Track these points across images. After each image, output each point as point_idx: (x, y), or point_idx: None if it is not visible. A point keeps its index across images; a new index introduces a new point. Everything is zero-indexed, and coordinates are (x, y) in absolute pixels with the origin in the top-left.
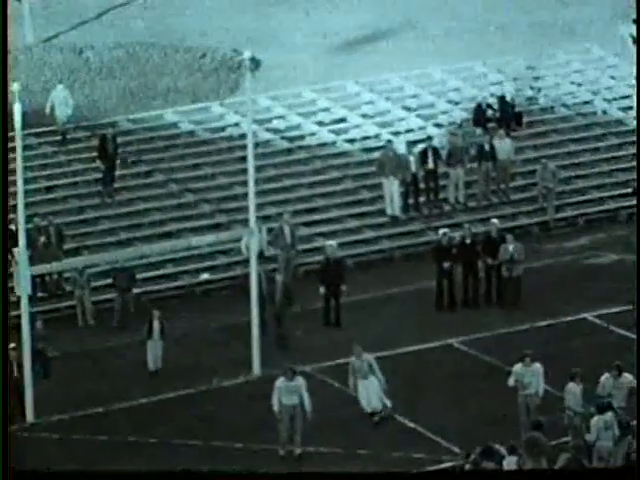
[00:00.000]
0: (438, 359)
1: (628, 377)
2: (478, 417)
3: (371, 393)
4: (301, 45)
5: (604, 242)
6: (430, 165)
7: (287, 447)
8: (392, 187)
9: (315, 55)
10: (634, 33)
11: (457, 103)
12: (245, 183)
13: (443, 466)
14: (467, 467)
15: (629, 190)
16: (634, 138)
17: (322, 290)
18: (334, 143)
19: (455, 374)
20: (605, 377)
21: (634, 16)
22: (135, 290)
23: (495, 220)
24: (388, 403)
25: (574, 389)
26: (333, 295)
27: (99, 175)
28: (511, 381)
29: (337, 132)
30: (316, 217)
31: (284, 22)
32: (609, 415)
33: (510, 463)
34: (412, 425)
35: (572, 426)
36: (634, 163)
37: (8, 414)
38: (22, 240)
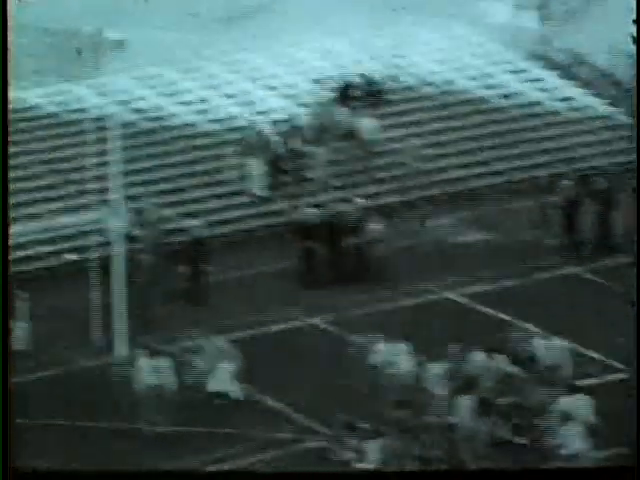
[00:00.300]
0: (304, 338)
1: (498, 357)
2: (343, 396)
3: (219, 376)
4: (167, 24)
5: (468, 220)
6: (294, 144)
7: (151, 426)
8: (256, 166)
9: (181, 34)
10: (634, 33)
11: (321, 82)
12: (109, 164)
13: (307, 445)
14: (330, 445)
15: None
16: (497, 116)
17: (186, 270)
18: (197, 123)
19: (321, 353)
20: (472, 356)
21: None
22: None
23: (359, 199)
24: (236, 388)
25: (438, 368)
26: (198, 275)
27: None
28: (375, 360)
29: (201, 112)
30: (181, 197)
31: (151, 1)
32: (473, 395)
33: (375, 443)
34: (277, 405)
35: (436, 406)
36: (497, 141)
37: (8, 414)
38: None
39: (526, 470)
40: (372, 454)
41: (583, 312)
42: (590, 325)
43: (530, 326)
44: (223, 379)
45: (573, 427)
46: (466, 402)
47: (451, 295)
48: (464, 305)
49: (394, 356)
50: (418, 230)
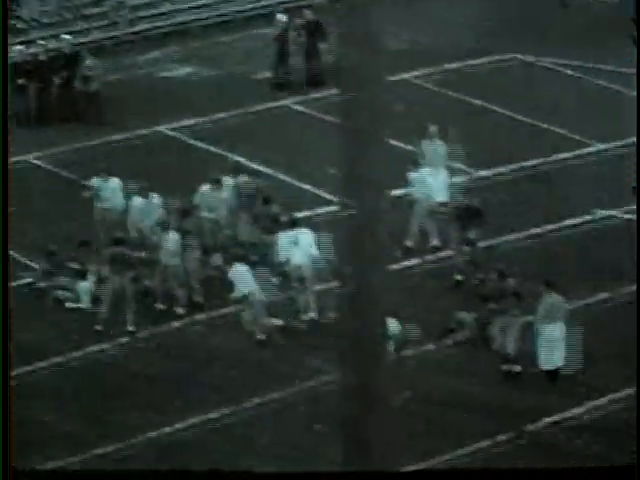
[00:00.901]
0: (18, 174)
1: (227, 184)
2: (60, 235)
3: None
4: None
5: (177, 55)
6: None
7: None
8: None
9: None
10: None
11: None
12: None
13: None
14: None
15: None
16: None
17: None
18: None
19: (36, 190)
20: (205, 188)
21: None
22: None
23: (67, 36)
24: None
25: (141, 202)
26: None
27: None
28: (87, 194)
29: None
30: None
31: None
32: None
33: (85, 283)
34: None
35: (147, 241)
36: None
37: (8, 413)
38: None
39: (526, 470)
40: (83, 294)
41: (294, 144)
42: (302, 157)
43: (242, 160)
44: None
45: (298, 251)
46: (173, 237)
47: (161, 128)
48: (175, 138)
49: (109, 191)
50: (128, 65)
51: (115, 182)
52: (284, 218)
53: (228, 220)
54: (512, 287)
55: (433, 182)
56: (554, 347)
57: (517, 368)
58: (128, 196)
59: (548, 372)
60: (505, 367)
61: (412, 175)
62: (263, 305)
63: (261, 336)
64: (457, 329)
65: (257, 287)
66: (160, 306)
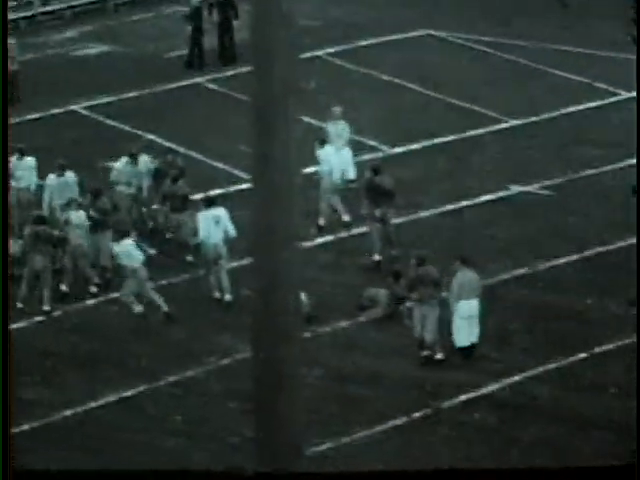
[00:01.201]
0: None
1: (143, 162)
2: None
3: None
4: None
5: (91, 34)
6: None
7: None
8: None
9: None
10: (634, 33)
11: None
12: None
13: None
14: None
15: None
16: None
17: None
18: None
19: None
20: (121, 162)
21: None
22: None
23: None
24: None
25: (55, 179)
26: None
27: None
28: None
29: None
30: None
31: None
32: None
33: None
34: None
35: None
36: None
37: (8, 414)
38: None
39: (526, 470)
40: None
41: (207, 122)
42: (214, 135)
43: (154, 137)
44: None
45: (217, 231)
46: (79, 215)
47: (75, 107)
48: (89, 117)
49: (22, 170)
50: (42, 44)
51: (30, 161)
52: (197, 196)
53: (144, 196)
54: (431, 276)
55: (337, 160)
56: (469, 324)
57: (439, 356)
58: (43, 175)
59: (463, 349)
60: (425, 353)
61: (318, 153)
62: (145, 281)
63: (139, 309)
64: (370, 306)
65: (141, 264)
66: (64, 287)
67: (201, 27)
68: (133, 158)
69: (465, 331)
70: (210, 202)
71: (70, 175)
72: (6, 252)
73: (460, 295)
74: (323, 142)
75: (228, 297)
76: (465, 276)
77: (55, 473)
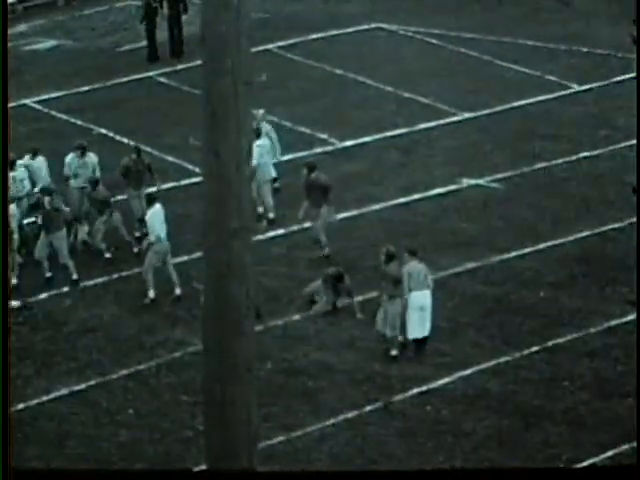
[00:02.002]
0: None
1: (92, 156)
2: None
3: None
4: None
5: (42, 28)
6: None
7: None
8: None
9: None
10: (634, 33)
11: None
12: None
13: None
14: None
15: None
16: None
17: None
18: None
19: None
20: (70, 157)
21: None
22: None
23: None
24: None
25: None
26: None
27: None
28: None
29: None
30: None
31: None
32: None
33: None
34: None
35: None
36: None
37: (8, 413)
38: None
39: (526, 470)
40: None
41: (158, 116)
42: (165, 129)
43: (105, 131)
44: None
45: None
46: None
47: (27, 101)
48: (41, 111)
49: None
50: None
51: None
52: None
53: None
54: (393, 273)
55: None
56: (420, 316)
57: (394, 352)
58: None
59: (415, 341)
60: (385, 347)
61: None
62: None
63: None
64: (318, 300)
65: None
66: (14, 280)
67: (154, 20)
68: (81, 150)
69: (417, 323)
70: (152, 199)
71: (21, 169)
72: (6, 249)
73: (410, 287)
74: (258, 135)
75: (178, 291)
76: (414, 268)
77: (55, 473)
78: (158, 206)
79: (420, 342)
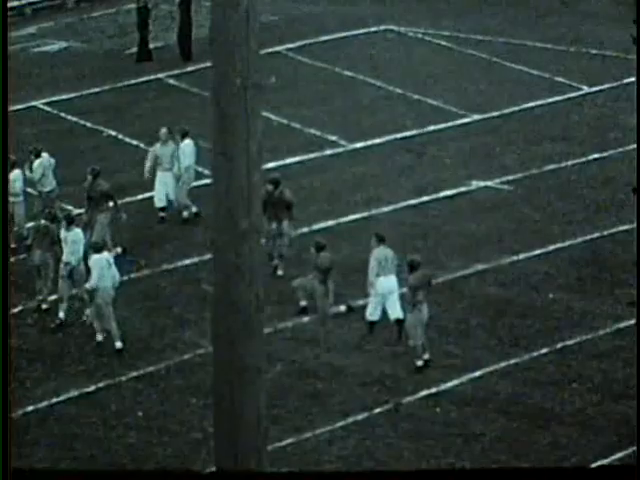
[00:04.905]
0: None
1: (47, 157)
2: None
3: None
4: None
5: (51, 30)
6: None
7: None
8: None
9: None
10: (634, 33)
11: None
12: None
13: None
14: None
15: None
16: None
17: None
18: None
19: None
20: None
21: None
22: None
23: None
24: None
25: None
26: None
27: None
28: None
29: None
30: None
31: None
32: None
33: None
34: None
35: None
36: None
37: (8, 412)
38: None
39: (526, 470)
40: None
41: (168, 118)
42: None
43: (114, 133)
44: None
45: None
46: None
47: (36, 103)
48: (50, 113)
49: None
50: None
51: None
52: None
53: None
54: (411, 282)
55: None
56: (387, 300)
57: (419, 363)
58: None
59: (373, 323)
60: (413, 357)
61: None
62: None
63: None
64: (306, 302)
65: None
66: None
67: (149, 20)
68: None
69: (377, 307)
70: (100, 248)
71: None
72: (6, 252)
73: (378, 272)
74: (184, 136)
75: (119, 344)
76: (381, 253)
77: (55, 473)
78: (104, 254)
79: (398, 325)
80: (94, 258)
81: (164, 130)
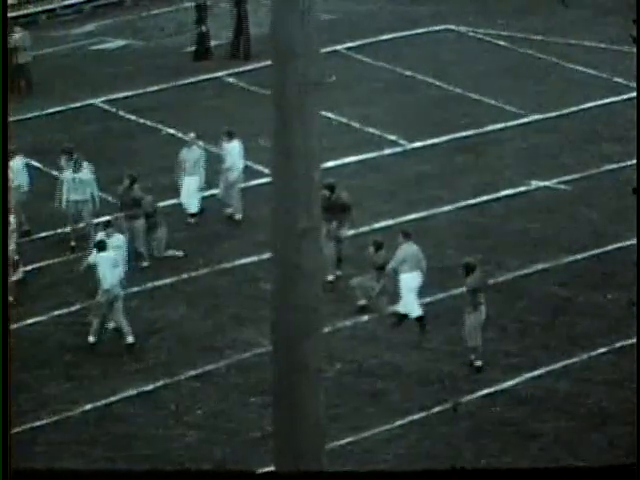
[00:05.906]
0: None
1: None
2: None
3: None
4: None
5: (110, 28)
6: None
7: None
8: None
9: None
10: (634, 33)
11: None
12: None
13: None
14: None
15: None
16: None
17: None
18: None
19: None
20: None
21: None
22: None
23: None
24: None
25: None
26: None
27: None
28: None
29: None
30: None
31: None
32: None
33: None
34: None
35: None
36: None
37: (8, 414)
38: None
39: (526, 470)
40: None
41: (226, 117)
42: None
43: (173, 131)
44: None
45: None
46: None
47: (94, 101)
48: (108, 111)
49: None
50: (61, 38)
51: (19, 161)
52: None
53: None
54: (470, 284)
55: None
56: (413, 295)
57: (478, 363)
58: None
59: (418, 320)
60: (470, 358)
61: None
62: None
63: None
64: (367, 299)
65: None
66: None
67: (207, 20)
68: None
69: (414, 302)
70: (104, 247)
71: (86, 170)
72: (6, 252)
73: (404, 268)
74: (230, 135)
75: (130, 339)
76: (408, 250)
77: (55, 473)
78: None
79: (413, 317)
80: (99, 257)
81: (192, 134)
